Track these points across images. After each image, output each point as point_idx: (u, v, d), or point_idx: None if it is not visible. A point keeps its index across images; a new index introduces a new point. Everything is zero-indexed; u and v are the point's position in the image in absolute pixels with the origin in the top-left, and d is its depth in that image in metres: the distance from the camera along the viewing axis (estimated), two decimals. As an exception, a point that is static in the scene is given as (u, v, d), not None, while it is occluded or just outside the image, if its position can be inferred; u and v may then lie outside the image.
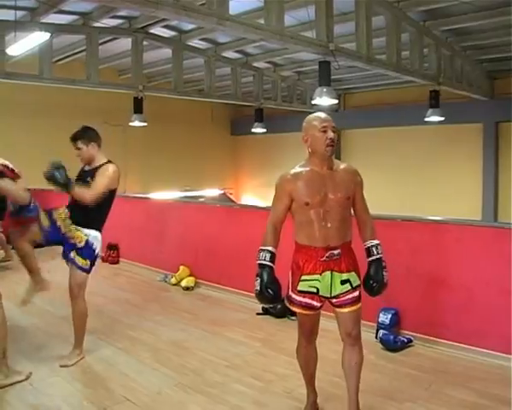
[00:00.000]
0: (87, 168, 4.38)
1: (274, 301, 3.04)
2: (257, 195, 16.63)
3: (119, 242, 8.50)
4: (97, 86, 9.26)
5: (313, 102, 7.92)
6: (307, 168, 3.07)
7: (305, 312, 3.12)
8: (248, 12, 7.79)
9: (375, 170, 13.04)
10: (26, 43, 7.61)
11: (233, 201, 14.79)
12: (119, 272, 7.87)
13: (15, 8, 7.29)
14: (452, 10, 8.15)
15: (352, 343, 3.13)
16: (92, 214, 4.24)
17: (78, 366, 4.28)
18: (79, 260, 4.23)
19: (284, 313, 5.48)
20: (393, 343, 4.56)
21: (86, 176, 4.28)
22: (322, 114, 3.10)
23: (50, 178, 3.96)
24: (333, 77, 7.75)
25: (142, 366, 4.27)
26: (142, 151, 13.86)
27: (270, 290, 2.97)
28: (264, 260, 3.02)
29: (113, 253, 8.50)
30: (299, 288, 3.08)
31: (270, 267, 3.01)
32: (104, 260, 8.45)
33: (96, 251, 4.33)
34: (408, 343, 4.63)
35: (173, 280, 6.97)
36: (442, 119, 10.52)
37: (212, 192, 15.31)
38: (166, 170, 14.51)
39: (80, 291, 4.27)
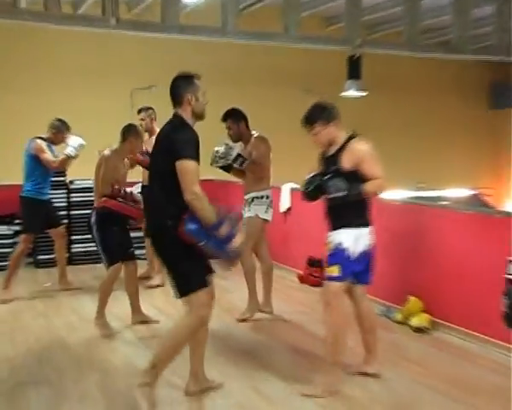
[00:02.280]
0: (329, 153, 5.21)
1: None
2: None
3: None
4: (297, 42, 9.53)
5: None
6: None
7: None
8: None
9: None
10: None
11: (491, 206, 14.25)
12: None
13: None
14: None
15: None
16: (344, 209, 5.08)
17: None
18: (328, 271, 5.08)
19: None
20: None
21: (330, 164, 5.13)
22: None
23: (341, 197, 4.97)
24: None
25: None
26: (357, 130, 13.78)
27: None
28: None
29: (315, 271, 8.76)
30: None
31: None
32: (303, 279, 8.97)
33: (347, 249, 5.04)
34: None
35: (398, 316, 6.98)
36: None
37: (459, 193, 14.91)
38: (391, 159, 14.24)
39: (333, 300, 5.01)
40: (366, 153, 5.13)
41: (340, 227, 5.08)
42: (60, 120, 8.38)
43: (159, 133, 4.95)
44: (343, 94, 10.61)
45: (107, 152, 6.91)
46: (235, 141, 7.05)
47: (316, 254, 8.71)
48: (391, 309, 7.18)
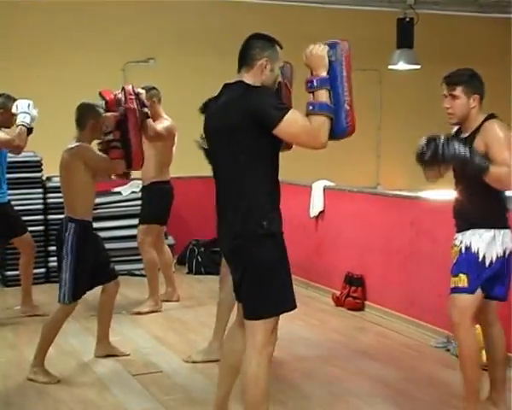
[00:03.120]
0: (462, 135, 5.23)
1: None
2: None
3: (366, 273, 8.71)
4: (329, 1, 9.56)
5: None
6: None
7: None
8: None
9: None
10: None
11: None
12: (364, 326, 8.15)
13: None
14: None
15: None
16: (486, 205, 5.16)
17: None
18: (452, 282, 5.20)
19: None
20: None
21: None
22: None
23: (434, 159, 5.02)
24: None
25: None
26: (408, 115, 13.69)
27: None
28: None
29: (353, 291, 8.75)
30: None
31: None
32: (339, 302, 8.96)
33: (478, 253, 5.11)
34: None
35: (463, 349, 6.76)
36: None
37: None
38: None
39: (461, 321, 5.18)
40: (498, 134, 5.07)
41: (469, 228, 5.15)
42: (3, 95, 8.01)
43: (207, 121, 4.67)
44: (391, 67, 10.51)
45: (73, 146, 6.41)
46: None
47: (355, 269, 8.80)
48: (453, 341, 6.96)
